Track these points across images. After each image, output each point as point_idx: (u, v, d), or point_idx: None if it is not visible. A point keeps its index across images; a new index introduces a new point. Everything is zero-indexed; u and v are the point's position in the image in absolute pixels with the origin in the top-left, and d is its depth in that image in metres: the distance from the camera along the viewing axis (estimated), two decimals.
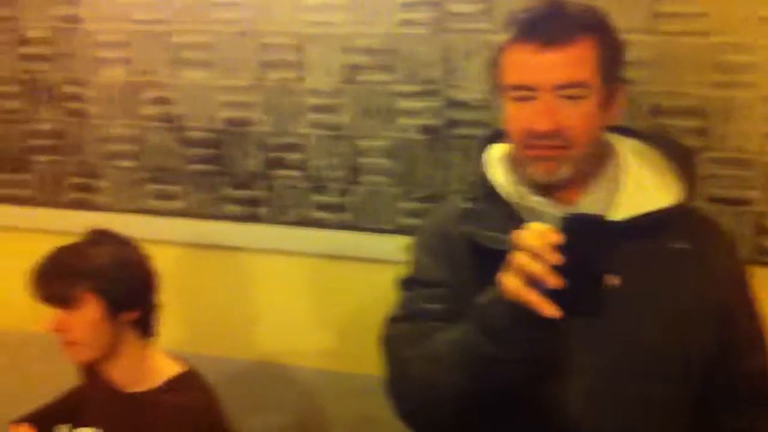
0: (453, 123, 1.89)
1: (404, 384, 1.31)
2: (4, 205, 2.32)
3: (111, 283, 1.62)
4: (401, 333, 1.34)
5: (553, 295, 1.03)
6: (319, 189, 2.02)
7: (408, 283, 1.40)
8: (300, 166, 2.03)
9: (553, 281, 1.03)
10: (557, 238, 1.03)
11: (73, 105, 2.21)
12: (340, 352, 2.08)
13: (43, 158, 2.26)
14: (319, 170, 2.01)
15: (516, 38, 1.28)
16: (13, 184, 2.30)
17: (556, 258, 1.03)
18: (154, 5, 2.09)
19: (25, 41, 2.22)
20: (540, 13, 1.30)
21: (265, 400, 2.13)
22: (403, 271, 1.42)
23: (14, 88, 2.25)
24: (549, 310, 1.03)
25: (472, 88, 1.86)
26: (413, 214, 1.95)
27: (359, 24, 1.92)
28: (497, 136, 1.43)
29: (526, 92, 1.27)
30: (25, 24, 2.21)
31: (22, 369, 2.38)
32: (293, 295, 2.10)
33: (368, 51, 1.93)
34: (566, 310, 1.03)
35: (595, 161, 1.33)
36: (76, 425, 1.73)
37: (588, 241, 1.03)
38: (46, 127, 2.24)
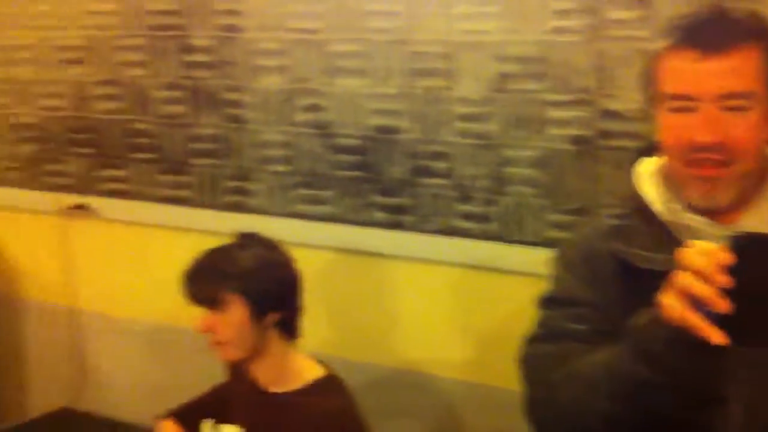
0: (605, 134, 1.82)
1: (549, 407, 1.26)
2: (166, 205, 2.44)
3: (256, 285, 1.66)
4: (543, 353, 1.29)
5: (720, 320, 0.95)
6: (465, 198, 2.00)
7: (550, 302, 1.35)
8: (446, 175, 2.01)
9: (722, 305, 0.95)
10: (727, 258, 0.96)
11: (232, 111, 2.29)
12: (479, 364, 2.05)
13: (203, 161, 2.36)
14: (464, 179, 1.99)
15: (676, 45, 1.21)
16: (175, 185, 2.42)
17: (726, 280, 0.95)
18: (310, 15, 2.14)
19: (189, 49, 2.33)
20: (702, 19, 1.22)
21: (403, 407, 2.13)
22: (545, 287, 1.38)
23: (178, 94, 2.37)
24: (715, 336, 0.95)
25: (627, 97, 1.78)
26: (560, 226, 1.89)
27: (510, 32, 1.89)
28: (651, 149, 1.35)
29: (685, 102, 1.19)
30: (190, 33, 2.32)
31: (177, 363, 2.50)
32: (435, 304, 2.09)
33: (519, 59, 1.89)
34: (734, 338, 0.95)
35: (759, 178, 1.23)
36: (221, 421, 1.79)
37: (762, 262, 0.95)
38: (207, 131, 2.34)
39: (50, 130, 2.61)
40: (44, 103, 2.61)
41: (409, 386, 2.13)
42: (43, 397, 2.81)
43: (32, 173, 2.67)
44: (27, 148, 2.67)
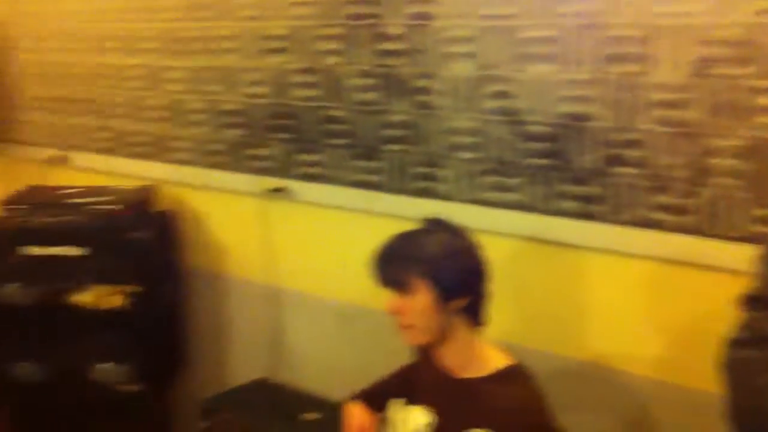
0: None
1: (756, 415, 1.20)
2: (358, 189, 2.52)
3: (442, 270, 1.68)
4: (747, 358, 1.22)
5: None
6: (660, 189, 1.92)
7: (755, 301, 1.27)
8: (640, 164, 1.94)
9: None
10: None
11: (422, 98, 2.32)
12: (672, 363, 1.97)
13: (393, 147, 2.42)
14: (660, 169, 1.91)
15: None
16: (367, 170, 2.49)
17: None
18: (502, 1, 2.12)
19: (383, 37, 2.38)
20: None
21: (590, 401, 2.09)
22: (749, 285, 1.30)
23: (371, 81, 2.43)
24: None
25: None
26: (766, 221, 1.77)
27: (714, 14, 1.78)
28: None
29: None
30: (384, 21, 2.37)
31: (367, 342, 2.58)
32: (627, 298, 2.03)
33: (724, 43, 1.78)
34: None
35: None
36: (408, 402, 1.83)
37: None
38: (398, 118, 2.39)
39: (253, 116, 2.77)
40: (248, 90, 2.77)
41: (596, 380, 2.09)
42: (243, 369, 2.99)
43: (236, 157, 2.85)
44: (232, 133, 2.85)
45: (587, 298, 2.11)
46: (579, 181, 2.05)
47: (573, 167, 2.05)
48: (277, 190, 2.72)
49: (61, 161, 3.50)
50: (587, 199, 2.04)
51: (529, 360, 1.75)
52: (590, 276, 2.09)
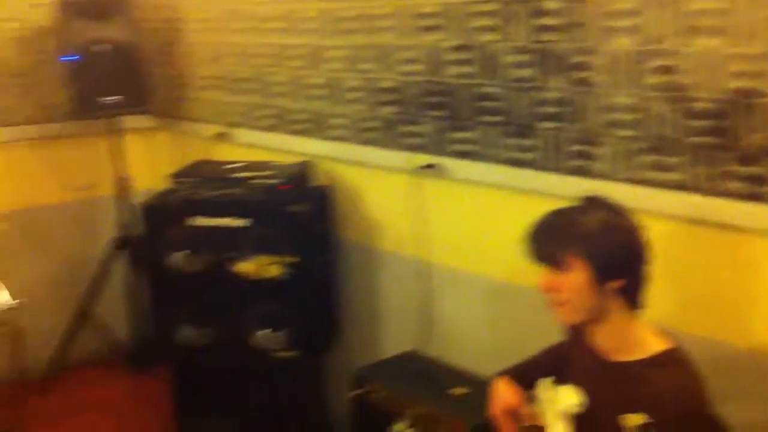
0: None
1: None
2: (511, 167, 2.50)
3: (599, 249, 1.65)
4: None
5: None
6: None
7: None
8: None
9: None
10: None
11: (580, 74, 2.27)
12: None
13: (548, 125, 2.38)
14: None
15: None
16: (520, 148, 2.47)
17: None
18: None
19: (540, 12, 2.34)
20: None
21: (752, 390, 1.99)
22: None
23: (527, 58, 2.40)
24: None
25: None
26: None
27: None
28: None
29: None
30: None
31: (517, 320, 2.57)
32: None
33: None
34: None
35: None
36: (558, 381, 1.82)
37: None
38: (553, 95, 2.35)
39: (407, 94, 2.80)
40: (403, 68, 2.80)
41: (762, 370, 1.98)
42: (393, 341, 3.06)
43: (390, 134, 2.89)
44: (387, 111, 2.89)
45: (754, 283, 2.00)
46: (747, 160, 1.94)
47: (741, 146, 1.95)
48: (429, 167, 2.74)
49: (226, 137, 3.68)
50: (756, 179, 1.93)
51: (688, 346, 1.69)
52: (758, 260, 1.98)
